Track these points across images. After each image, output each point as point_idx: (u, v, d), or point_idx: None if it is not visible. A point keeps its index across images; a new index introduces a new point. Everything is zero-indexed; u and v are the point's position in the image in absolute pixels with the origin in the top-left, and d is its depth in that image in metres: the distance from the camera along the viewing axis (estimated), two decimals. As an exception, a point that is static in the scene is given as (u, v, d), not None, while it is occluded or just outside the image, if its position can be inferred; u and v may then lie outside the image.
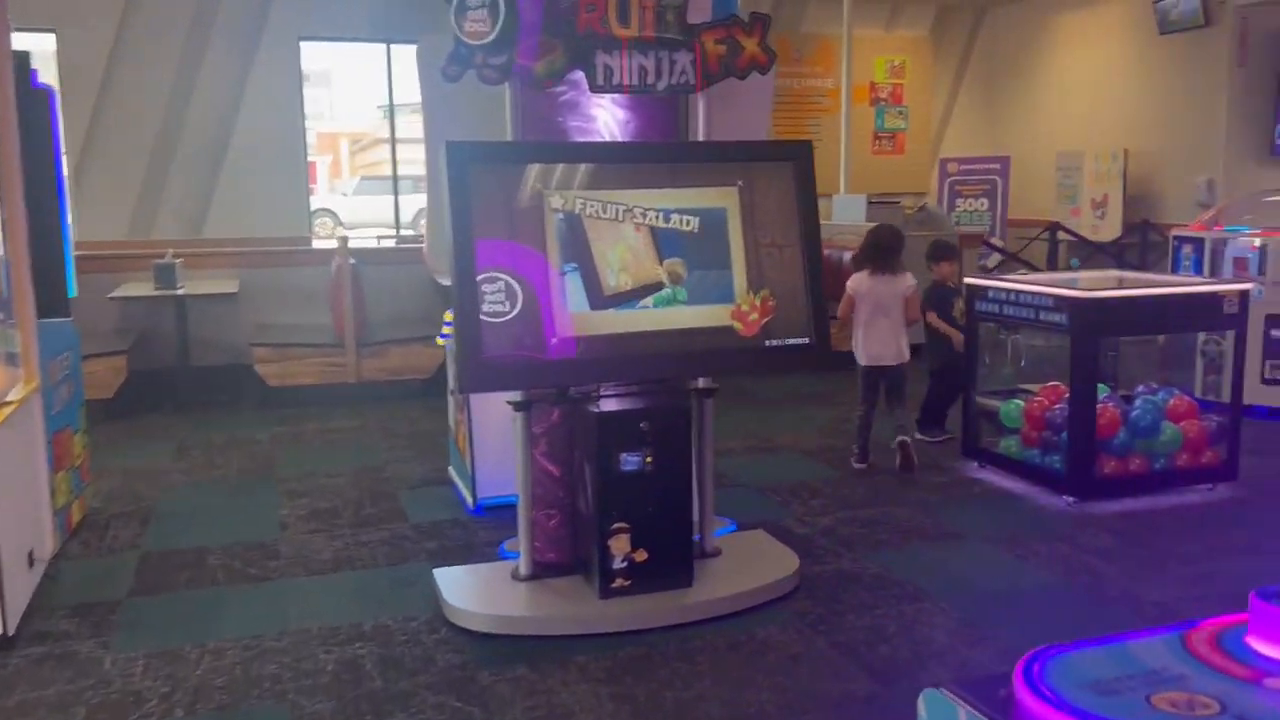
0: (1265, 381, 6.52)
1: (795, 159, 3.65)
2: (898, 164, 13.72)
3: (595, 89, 3.60)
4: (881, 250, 5.61)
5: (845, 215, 9.22)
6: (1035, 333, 5.49)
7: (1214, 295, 4.91)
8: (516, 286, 3.30)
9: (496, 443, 4.43)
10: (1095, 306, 4.72)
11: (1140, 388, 5.42)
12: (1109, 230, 11.84)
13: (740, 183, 3.59)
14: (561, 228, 3.37)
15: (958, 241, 7.76)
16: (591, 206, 3.39)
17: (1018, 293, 5.13)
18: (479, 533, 4.57)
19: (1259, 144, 11.14)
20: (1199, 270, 6.91)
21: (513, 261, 3.29)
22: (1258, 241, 6.73)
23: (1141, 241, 10.34)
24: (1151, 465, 4.95)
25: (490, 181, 3.33)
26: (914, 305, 5.59)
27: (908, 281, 5.54)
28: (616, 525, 3.54)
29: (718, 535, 4.22)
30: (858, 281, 5.60)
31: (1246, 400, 6.54)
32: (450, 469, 5.43)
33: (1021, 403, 5.31)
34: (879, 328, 5.51)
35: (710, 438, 3.91)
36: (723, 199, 3.58)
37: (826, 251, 9.42)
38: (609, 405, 3.57)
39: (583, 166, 3.41)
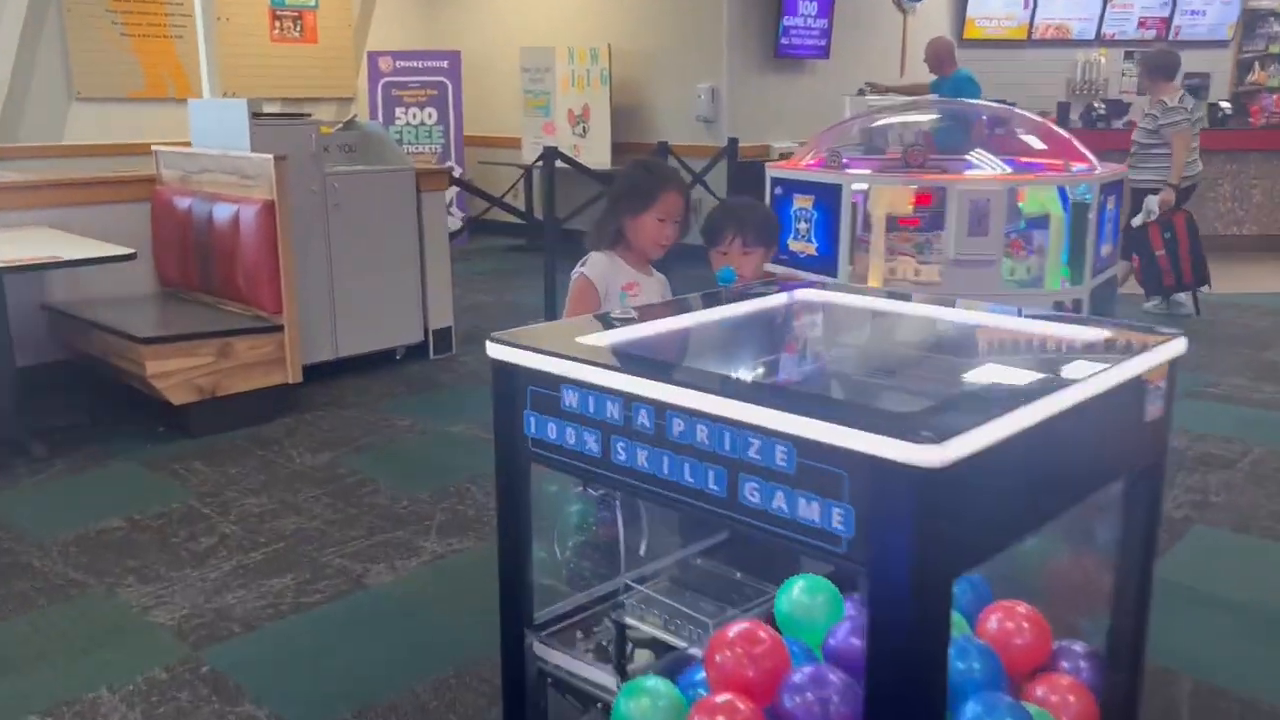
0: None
1: None
2: (311, 57, 9.72)
3: None
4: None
5: (217, 137, 5.17)
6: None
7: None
8: None
9: None
10: (959, 484, 1.42)
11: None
12: (595, 154, 9.05)
13: None
14: None
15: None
16: None
17: (677, 410, 1.69)
18: None
19: (762, 43, 8.94)
20: (827, 241, 4.08)
21: None
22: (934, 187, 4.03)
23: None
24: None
25: None
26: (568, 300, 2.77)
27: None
28: None
29: None
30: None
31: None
32: None
33: (681, 701, 1.92)
34: None
35: None
36: None
37: (186, 202, 5.31)
38: None
39: None
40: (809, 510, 1.52)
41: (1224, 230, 9.14)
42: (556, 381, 1.91)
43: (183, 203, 5.08)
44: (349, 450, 4.40)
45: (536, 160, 6.32)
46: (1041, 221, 3.96)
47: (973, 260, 3.76)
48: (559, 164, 6.38)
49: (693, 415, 1.66)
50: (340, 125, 5.82)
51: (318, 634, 2.96)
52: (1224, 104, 9.67)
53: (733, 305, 2.29)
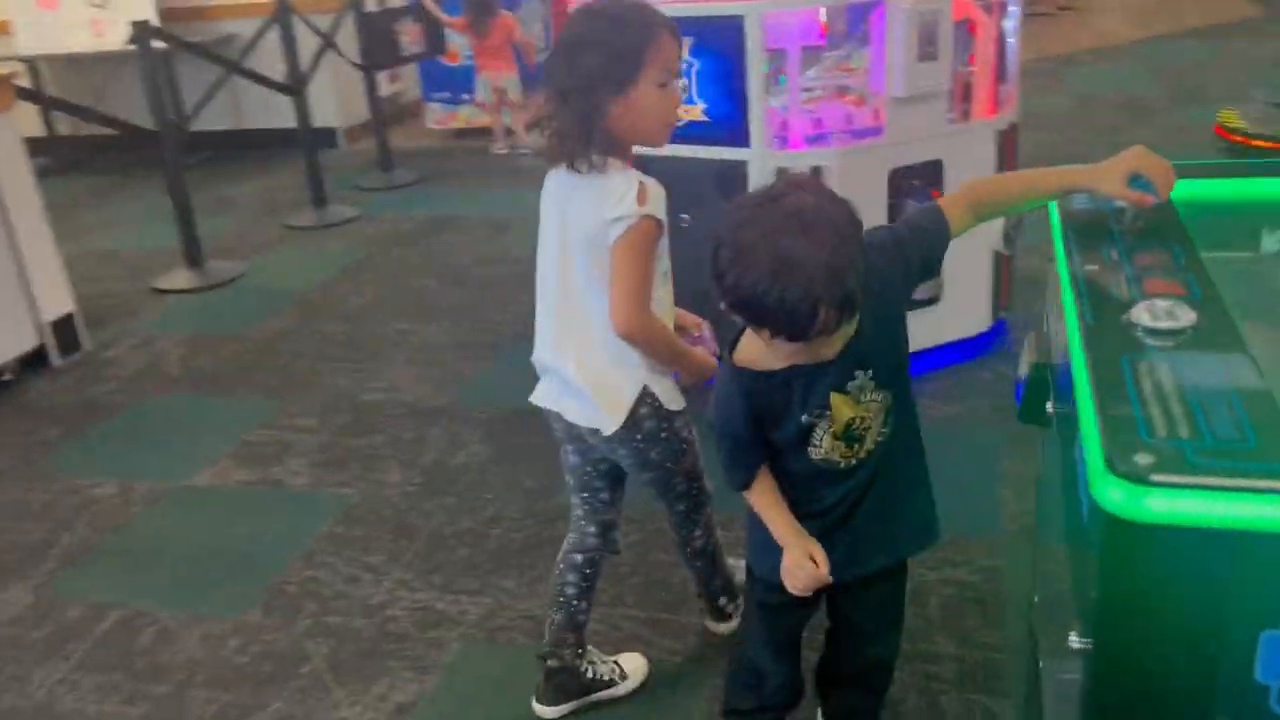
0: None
1: None
2: None
3: None
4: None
5: None
6: None
7: None
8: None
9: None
10: None
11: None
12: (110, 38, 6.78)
13: None
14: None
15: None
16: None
17: None
18: None
19: None
20: (725, 100, 2.95)
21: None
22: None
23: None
24: None
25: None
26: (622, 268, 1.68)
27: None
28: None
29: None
30: None
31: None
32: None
33: None
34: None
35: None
36: None
37: None
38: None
39: None
40: None
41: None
42: None
43: None
44: (55, 564, 2.65)
45: (130, 42, 4.30)
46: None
47: (921, 96, 2.91)
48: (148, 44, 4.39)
49: None
50: None
51: None
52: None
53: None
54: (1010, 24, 3.15)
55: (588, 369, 1.76)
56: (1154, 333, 0.99)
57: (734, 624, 2.18)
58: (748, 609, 1.82)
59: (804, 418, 1.48)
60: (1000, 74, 3.17)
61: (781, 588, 1.60)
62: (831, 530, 1.60)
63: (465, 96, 6.89)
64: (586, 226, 1.69)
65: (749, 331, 1.47)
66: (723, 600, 2.18)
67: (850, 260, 1.27)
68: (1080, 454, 0.93)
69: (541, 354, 1.86)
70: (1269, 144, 4.98)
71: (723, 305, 1.34)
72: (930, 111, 2.99)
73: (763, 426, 1.52)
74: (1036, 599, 1.59)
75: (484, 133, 6.75)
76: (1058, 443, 1.30)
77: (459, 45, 6.64)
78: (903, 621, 1.78)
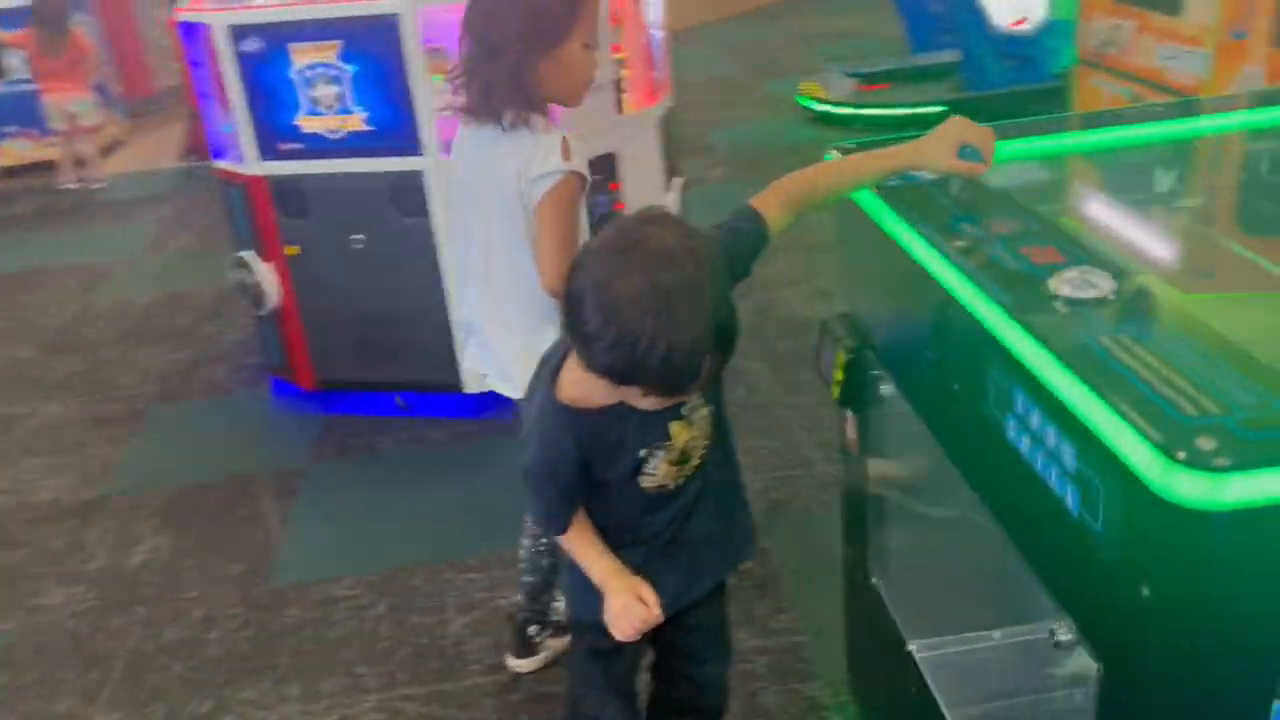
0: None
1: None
2: None
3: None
4: None
5: None
6: None
7: None
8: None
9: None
10: None
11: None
12: None
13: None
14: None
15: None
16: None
17: None
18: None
19: None
20: (390, 106, 2.68)
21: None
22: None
23: None
24: None
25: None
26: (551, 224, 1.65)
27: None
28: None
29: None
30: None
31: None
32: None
33: None
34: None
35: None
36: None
37: None
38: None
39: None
40: None
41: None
42: None
43: None
44: None
45: None
46: None
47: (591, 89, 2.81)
48: None
49: None
50: None
51: None
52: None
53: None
54: (654, 13, 3.17)
55: (510, 329, 1.75)
56: (1082, 304, 0.97)
57: (537, 660, 2.07)
58: (579, 663, 1.64)
59: (640, 451, 1.35)
60: (651, 62, 3.19)
61: (616, 629, 1.46)
62: (660, 555, 1.47)
63: (6, 129, 5.89)
64: (508, 183, 1.66)
65: (574, 361, 1.29)
66: (533, 630, 2.06)
67: (728, 300, 1.16)
68: (1067, 448, 0.88)
69: (466, 313, 1.87)
70: (848, 111, 5.53)
71: (589, 369, 1.17)
72: (599, 104, 2.92)
73: (590, 467, 1.36)
74: (876, 580, 1.57)
75: (42, 168, 5.81)
76: (920, 423, 1.27)
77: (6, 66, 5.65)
78: (730, 636, 1.70)
